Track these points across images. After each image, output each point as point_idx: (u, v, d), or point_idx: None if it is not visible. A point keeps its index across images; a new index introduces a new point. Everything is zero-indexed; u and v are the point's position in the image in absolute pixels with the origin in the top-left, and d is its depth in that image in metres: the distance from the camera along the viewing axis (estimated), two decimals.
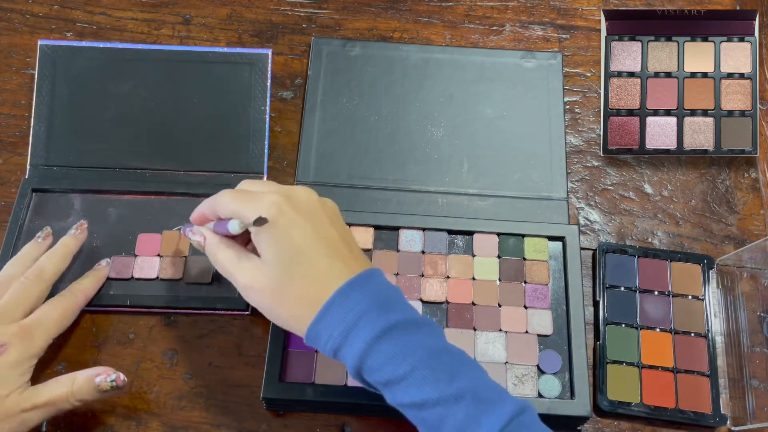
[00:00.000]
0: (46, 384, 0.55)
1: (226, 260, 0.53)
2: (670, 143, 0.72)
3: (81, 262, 0.65)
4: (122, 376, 0.55)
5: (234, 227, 0.51)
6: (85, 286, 0.62)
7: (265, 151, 0.69)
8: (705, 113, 0.72)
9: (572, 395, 0.59)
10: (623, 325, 0.63)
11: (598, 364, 0.62)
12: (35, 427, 0.55)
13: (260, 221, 0.50)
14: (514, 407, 0.46)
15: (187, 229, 0.57)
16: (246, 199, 0.52)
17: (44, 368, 0.61)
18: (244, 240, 0.55)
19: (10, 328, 0.56)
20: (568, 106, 0.75)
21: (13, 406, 0.53)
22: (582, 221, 0.70)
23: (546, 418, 0.58)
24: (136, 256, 0.65)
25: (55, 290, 0.61)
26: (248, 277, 0.51)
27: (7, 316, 0.57)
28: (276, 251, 0.50)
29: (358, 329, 0.47)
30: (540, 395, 0.59)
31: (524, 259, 0.65)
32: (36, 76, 0.70)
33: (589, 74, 0.76)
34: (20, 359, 0.55)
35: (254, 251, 0.53)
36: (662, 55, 0.73)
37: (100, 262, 0.64)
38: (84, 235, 0.64)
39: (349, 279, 0.49)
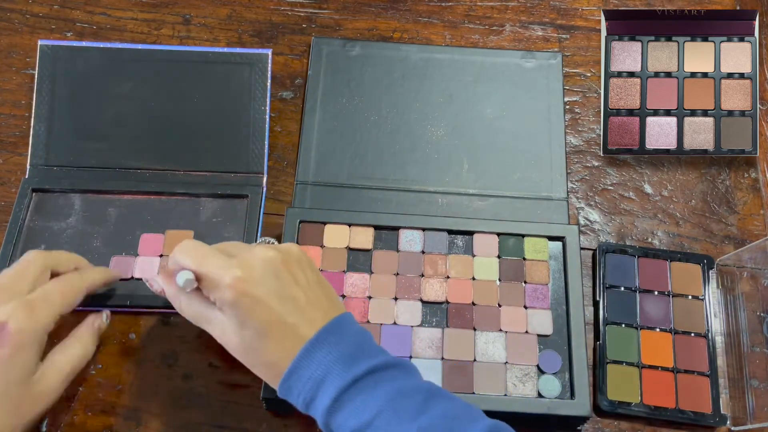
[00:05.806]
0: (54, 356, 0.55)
1: (190, 313, 0.53)
2: (670, 143, 0.72)
3: None
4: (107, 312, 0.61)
5: (180, 281, 0.51)
6: (93, 276, 0.59)
7: (265, 151, 0.69)
8: (705, 113, 0.72)
9: (572, 395, 0.59)
10: (623, 325, 0.63)
11: (598, 364, 0.62)
12: (35, 427, 0.55)
13: (189, 284, 0.50)
14: (488, 425, 0.47)
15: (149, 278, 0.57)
16: (203, 262, 0.51)
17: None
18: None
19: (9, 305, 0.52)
20: (568, 106, 0.75)
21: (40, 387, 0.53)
22: (582, 221, 0.70)
23: (546, 418, 0.58)
24: (137, 255, 0.65)
25: None
26: (218, 331, 0.52)
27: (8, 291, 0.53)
28: (238, 326, 0.50)
29: (324, 388, 0.48)
30: (540, 395, 0.59)
31: (524, 259, 0.65)
32: (36, 76, 0.70)
33: (589, 74, 0.76)
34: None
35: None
36: (662, 55, 0.73)
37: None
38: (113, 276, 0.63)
39: (311, 337, 0.49)
